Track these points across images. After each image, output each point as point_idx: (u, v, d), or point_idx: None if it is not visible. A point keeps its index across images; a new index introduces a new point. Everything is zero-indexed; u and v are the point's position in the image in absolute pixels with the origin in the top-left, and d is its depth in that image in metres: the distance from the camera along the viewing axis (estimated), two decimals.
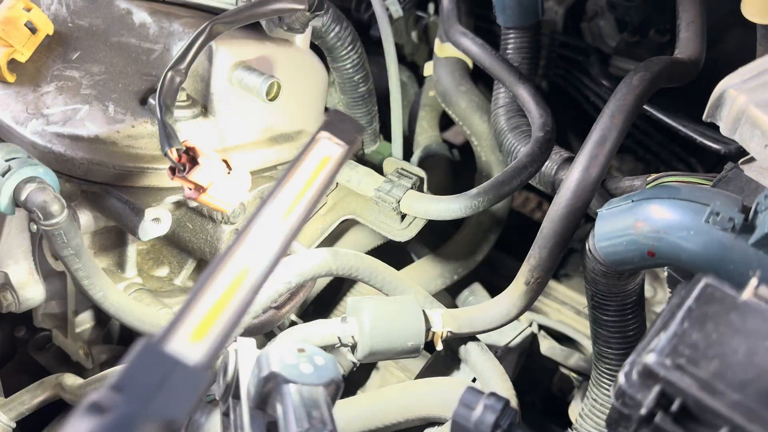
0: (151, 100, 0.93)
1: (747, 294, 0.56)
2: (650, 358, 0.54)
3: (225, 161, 0.72)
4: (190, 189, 0.71)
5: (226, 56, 0.94)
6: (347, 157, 0.64)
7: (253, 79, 0.93)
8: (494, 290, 0.96)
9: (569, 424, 1.14)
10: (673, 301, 0.59)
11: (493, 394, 0.63)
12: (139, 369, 0.42)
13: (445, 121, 1.52)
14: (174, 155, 0.70)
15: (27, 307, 1.03)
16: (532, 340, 1.21)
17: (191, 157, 0.70)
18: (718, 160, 1.16)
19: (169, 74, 0.80)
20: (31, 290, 1.02)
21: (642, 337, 0.94)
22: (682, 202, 0.73)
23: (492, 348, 1.05)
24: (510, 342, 1.11)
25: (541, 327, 1.32)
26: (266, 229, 0.55)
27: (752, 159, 0.81)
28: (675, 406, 0.53)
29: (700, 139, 1.10)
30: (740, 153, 1.04)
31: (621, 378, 0.57)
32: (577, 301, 1.40)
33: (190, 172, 0.69)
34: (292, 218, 0.56)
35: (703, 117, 0.80)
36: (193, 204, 0.98)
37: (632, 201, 0.77)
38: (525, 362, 1.20)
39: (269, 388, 0.63)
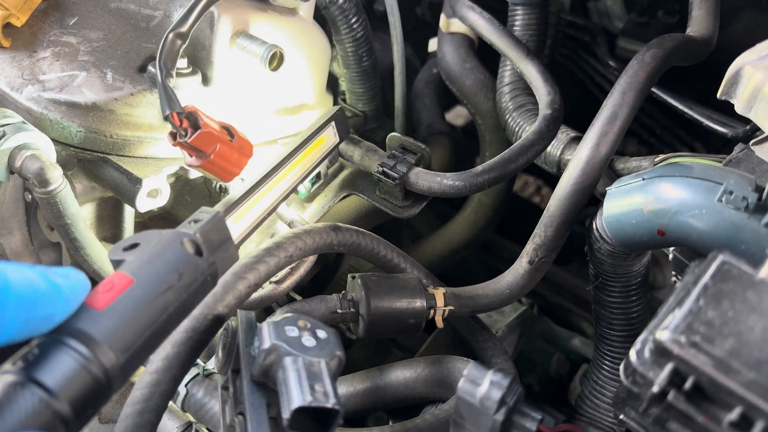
0: (150, 68, 0.91)
1: (764, 272, 0.54)
2: (664, 335, 0.53)
3: (228, 128, 0.70)
4: (191, 156, 0.69)
5: (228, 24, 0.92)
6: (334, 149, 0.97)
7: (255, 47, 0.91)
8: (494, 274, 0.94)
9: (567, 406, 1.13)
10: (687, 279, 0.57)
11: (499, 370, 0.62)
12: (212, 228, 0.62)
13: (446, 102, 1.50)
14: (175, 120, 0.67)
15: None
16: (531, 322, 1.20)
17: (193, 123, 0.68)
18: (724, 144, 1.15)
19: (170, 36, 0.77)
20: (25, 261, 1.00)
21: (645, 319, 0.93)
22: (694, 181, 0.71)
23: (492, 328, 1.04)
24: (510, 322, 1.10)
25: (540, 309, 1.31)
26: (280, 175, 0.83)
27: (765, 140, 0.80)
28: (688, 385, 0.52)
29: (706, 122, 1.08)
30: (747, 137, 1.03)
31: (632, 355, 0.56)
32: (573, 284, 1.39)
33: (192, 138, 0.67)
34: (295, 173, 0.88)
35: (718, 95, 0.78)
36: (192, 175, 0.96)
37: (643, 179, 0.76)
38: (523, 344, 1.19)
39: (270, 360, 0.62)
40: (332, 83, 1.18)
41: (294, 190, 0.91)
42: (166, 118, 0.67)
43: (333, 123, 0.95)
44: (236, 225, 0.79)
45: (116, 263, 0.57)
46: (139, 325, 0.53)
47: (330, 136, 0.96)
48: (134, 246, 0.58)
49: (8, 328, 0.47)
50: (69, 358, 0.48)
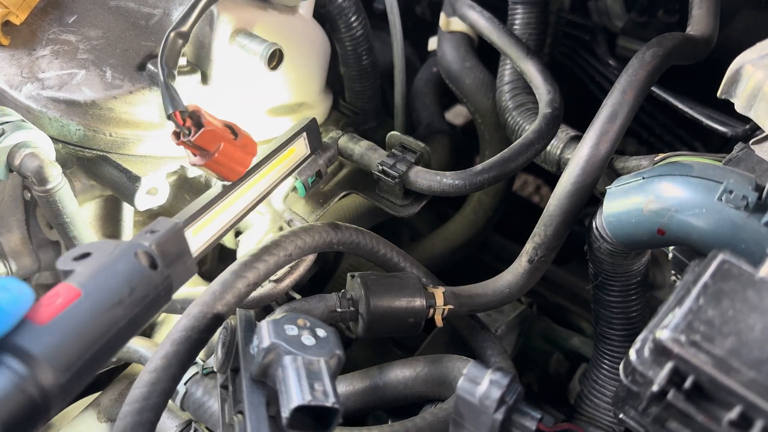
0: (150, 66, 0.91)
1: (765, 271, 0.54)
2: (664, 334, 0.53)
3: (231, 126, 0.70)
4: (195, 155, 0.69)
5: (228, 22, 0.92)
6: (304, 162, 0.94)
7: (255, 45, 0.91)
8: (493, 273, 0.94)
9: (567, 406, 1.13)
10: (687, 278, 0.57)
11: (499, 369, 0.62)
12: (169, 239, 0.61)
13: (446, 101, 1.50)
14: (179, 119, 0.67)
15: (19, 278, 1.01)
16: (530, 321, 1.20)
17: (196, 121, 0.68)
18: (724, 143, 1.15)
19: (172, 36, 0.77)
20: (23, 260, 1.00)
21: (644, 318, 0.93)
22: (694, 180, 0.71)
23: (491, 327, 1.04)
24: (509, 321, 1.10)
25: (539, 308, 1.31)
26: (248, 186, 0.80)
27: (765, 139, 0.80)
28: (688, 384, 0.52)
29: (706, 121, 1.08)
30: (747, 136, 1.03)
31: (632, 355, 0.56)
32: (572, 283, 1.39)
33: (196, 136, 0.67)
34: (262, 185, 0.85)
35: (718, 93, 0.78)
36: (192, 174, 0.96)
37: (643, 178, 0.76)
38: (522, 343, 1.19)
39: (270, 359, 0.62)
40: (332, 81, 1.18)
41: (261, 201, 0.86)
42: (169, 117, 0.67)
43: (304, 134, 0.91)
44: (196, 237, 0.75)
45: (65, 274, 0.52)
46: (83, 342, 0.49)
47: (301, 148, 0.92)
48: (85, 256, 0.54)
49: None
50: (2, 377, 0.44)
